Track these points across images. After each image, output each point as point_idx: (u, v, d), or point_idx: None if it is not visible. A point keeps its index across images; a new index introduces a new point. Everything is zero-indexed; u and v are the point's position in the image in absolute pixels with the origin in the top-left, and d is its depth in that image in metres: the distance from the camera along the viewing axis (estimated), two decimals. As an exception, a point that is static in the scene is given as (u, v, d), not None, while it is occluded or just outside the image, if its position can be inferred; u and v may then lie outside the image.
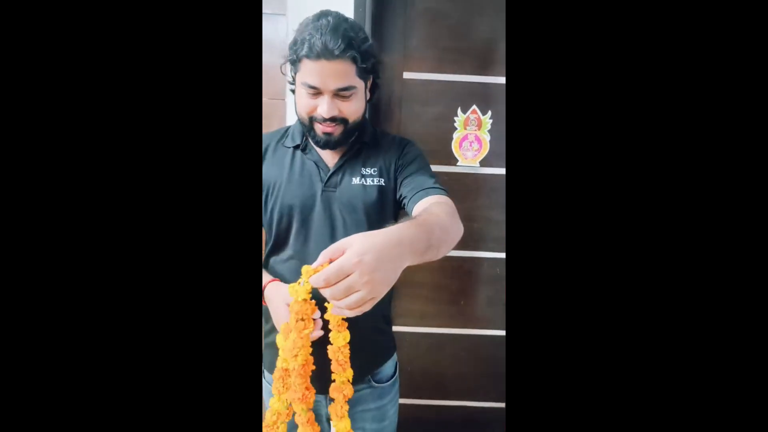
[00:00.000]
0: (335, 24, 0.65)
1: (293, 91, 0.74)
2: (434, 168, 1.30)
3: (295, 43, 0.67)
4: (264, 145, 0.78)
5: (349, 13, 1.11)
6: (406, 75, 1.23)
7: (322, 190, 0.75)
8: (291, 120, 1.18)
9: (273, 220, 0.76)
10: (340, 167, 0.77)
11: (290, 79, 0.75)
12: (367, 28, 1.12)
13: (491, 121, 1.25)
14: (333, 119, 0.69)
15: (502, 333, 1.37)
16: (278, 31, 1.12)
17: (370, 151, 0.80)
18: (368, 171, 0.77)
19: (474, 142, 1.26)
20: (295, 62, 0.68)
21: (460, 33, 1.21)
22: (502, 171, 1.29)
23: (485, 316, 1.36)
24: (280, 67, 0.75)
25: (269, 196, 0.76)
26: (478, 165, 1.27)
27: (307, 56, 0.65)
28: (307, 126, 0.72)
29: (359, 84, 0.71)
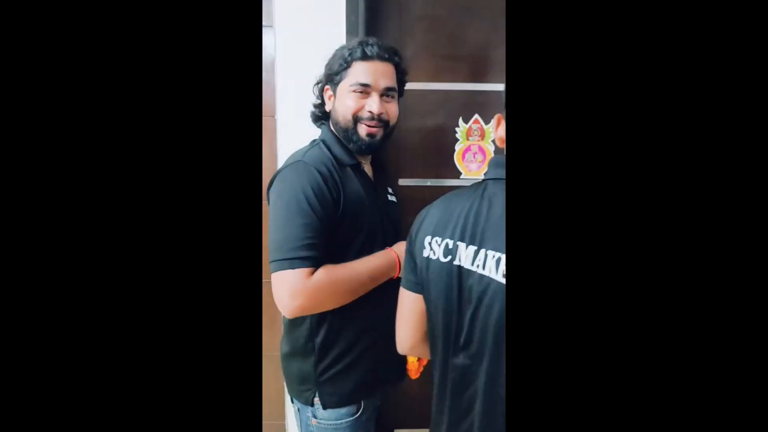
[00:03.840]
0: (379, 41, 0.78)
1: (319, 115, 0.84)
2: (437, 182, 1.26)
3: (335, 59, 0.77)
4: (316, 167, 0.73)
5: (341, 20, 1.05)
6: (403, 85, 1.17)
7: (378, 206, 0.81)
8: (282, 137, 1.11)
9: (347, 237, 0.75)
10: (378, 184, 0.87)
11: (317, 101, 0.83)
12: (360, 35, 1.07)
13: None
14: (379, 117, 0.76)
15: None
16: (266, 42, 1.06)
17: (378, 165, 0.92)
18: (390, 189, 0.92)
19: (478, 153, 1.19)
20: (338, 73, 0.76)
21: (457, 40, 1.15)
22: (509, 183, 1.21)
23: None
24: (313, 88, 0.84)
25: (345, 215, 0.73)
26: (483, 177, 1.20)
27: (362, 58, 0.74)
28: (351, 128, 0.77)
29: (397, 89, 0.81)
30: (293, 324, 0.77)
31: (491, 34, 1.15)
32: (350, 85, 0.75)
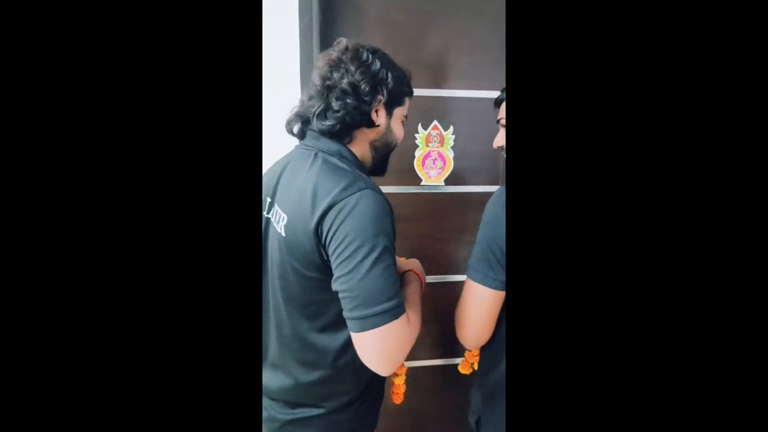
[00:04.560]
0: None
1: (354, 122, 0.67)
2: (398, 189, 1.24)
3: (399, 82, 0.69)
4: (382, 195, 0.63)
5: (294, 20, 1.00)
6: (361, 90, 1.13)
7: None
8: (267, 150, 0.98)
9: None
10: None
11: (365, 107, 0.67)
12: (315, 38, 1.02)
13: (453, 137, 1.18)
14: None
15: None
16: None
17: None
18: None
19: (437, 159, 1.18)
20: (399, 101, 0.71)
21: (415, 45, 1.14)
22: (470, 189, 1.21)
23: (461, 347, 1.25)
24: (373, 113, 0.69)
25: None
26: (443, 184, 1.19)
27: (409, 96, 0.73)
28: (390, 153, 0.74)
29: None
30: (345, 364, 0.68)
31: (449, 40, 1.14)
32: (404, 115, 0.74)
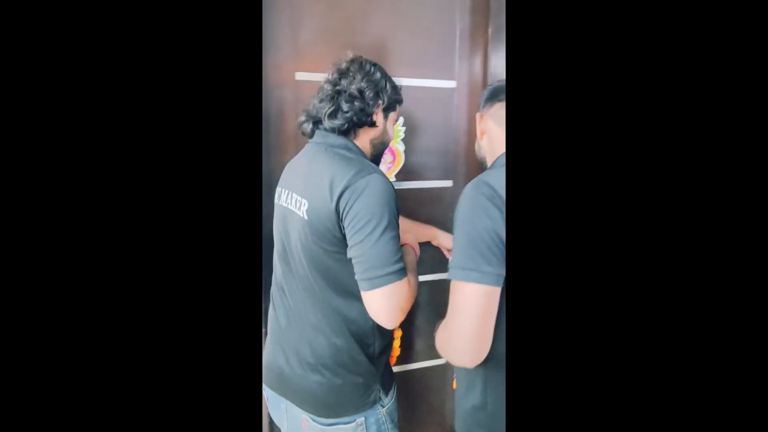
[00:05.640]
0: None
1: (360, 121, 0.79)
2: None
3: (395, 91, 0.83)
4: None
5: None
6: (299, 76, 1.01)
7: None
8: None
9: None
10: None
11: (370, 108, 0.80)
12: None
13: (404, 128, 1.09)
14: None
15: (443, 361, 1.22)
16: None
17: None
18: None
19: (387, 153, 1.09)
20: (393, 107, 0.84)
21: (358, 26, 1.03)
22: (422, 185, 1.14)
23: (425, 347, 1.19)
24: (376, 115, 0.81)
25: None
26: (394, 179, 1.10)
27: (400, 103, 0.86)
28: (385, 149, 0.87)
29: None
30: (359, 330, 0.79)
31: (396, 23, 1.05)
32: (395, 119, 0.87)
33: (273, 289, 0.87)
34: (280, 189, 0.83)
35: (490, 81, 1.13)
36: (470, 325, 0.59)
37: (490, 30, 1.12)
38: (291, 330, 0.81)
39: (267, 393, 0.88)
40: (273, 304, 0.86)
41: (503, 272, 0.59)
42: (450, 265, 0.62)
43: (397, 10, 1.05)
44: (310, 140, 0.82)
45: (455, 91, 1.15)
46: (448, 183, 1.16)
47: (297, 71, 1.01)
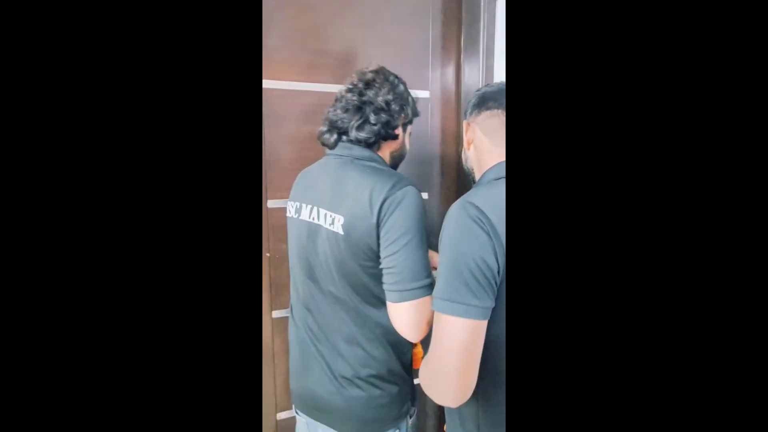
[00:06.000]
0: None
1: (382, 135, 0.78)
2: None
3: (414, 104, 0.82)
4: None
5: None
6: (267, 84, 0.95)
7: None
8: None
9: None
10: None
11: (395, 121, 0.79)
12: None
13: (378, 139, 1.05)
14: None
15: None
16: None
17: None
18: None
19: (361, 165, 1.04)
20: (412, 120, 0.83)
21: (328, 33, 0.99)
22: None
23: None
24: (403, 127, 0.82)
25: None
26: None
27: (418, 116, 0.84)
28: (402, 161, 0.88)
29: None
30: (397, 339, 0.78)
31: (366, 29, 1.01)
32: (410, 134, 0.86)
33: (295, 309, 0.83)
34: (297, 203, 0.80)
35: (463, 91, 1.11)
36: (454, 361, 0.55)
37: (462, 39, 1.11)
38: (321, 347, 0.78)
39: (303, 419, 0.85)
40: (295, 325, 0.83)
41: (491, 304, 0.55)
42: (434, 294, 0.58)
43: (369, 17, 1.01)
44: (329, 152, 0.79)
45: (428, 101, 1.12)
46: (424, 195, 1.13)
47: (264, 79, 0.95)
